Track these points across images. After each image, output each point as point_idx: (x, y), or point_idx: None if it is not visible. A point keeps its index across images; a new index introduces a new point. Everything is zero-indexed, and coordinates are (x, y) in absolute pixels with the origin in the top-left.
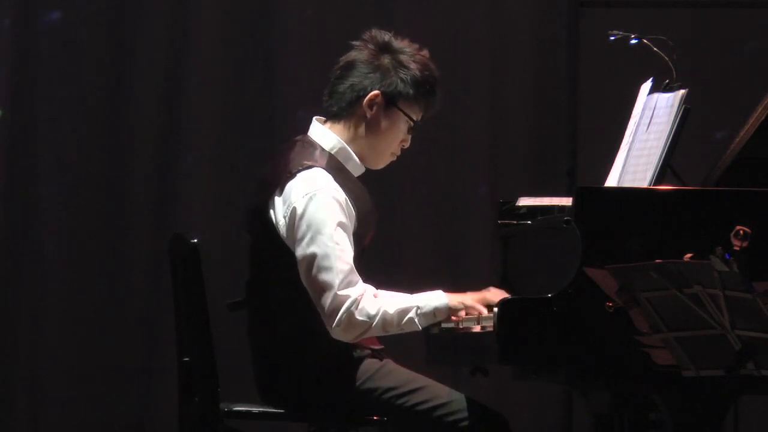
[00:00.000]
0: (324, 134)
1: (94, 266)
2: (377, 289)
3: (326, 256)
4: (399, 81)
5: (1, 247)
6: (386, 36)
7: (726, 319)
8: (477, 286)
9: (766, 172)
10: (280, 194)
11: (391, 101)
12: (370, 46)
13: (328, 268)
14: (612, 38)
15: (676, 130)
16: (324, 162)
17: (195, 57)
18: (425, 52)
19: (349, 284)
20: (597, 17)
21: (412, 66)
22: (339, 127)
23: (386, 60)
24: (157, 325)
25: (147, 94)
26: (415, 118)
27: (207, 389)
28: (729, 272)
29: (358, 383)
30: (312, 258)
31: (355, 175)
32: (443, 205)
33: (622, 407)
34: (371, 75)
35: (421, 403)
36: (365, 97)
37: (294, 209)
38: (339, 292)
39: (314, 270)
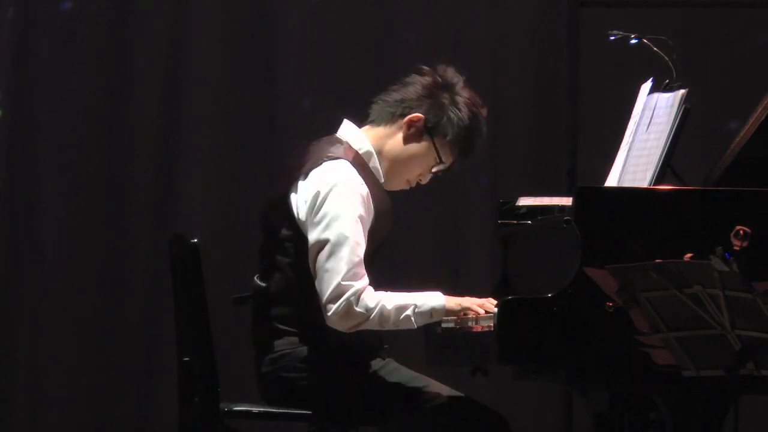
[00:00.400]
0: (356, 134)
1: (94, 266)
2: (377, 289)
3: (339, 243)
4: (446, 118)
5: (1, 247)
6: (456, 78)
7: (726, 319)
8: (477, 286)
9: (766, 172)
10: (304, 179)
11: (429, 131)
12: (437, 77)
13: (337, 256)
14: (612, 38)
15: (676, 130)
16: (351, 156)
17: (195, 57)
18: (484, 110)
19: (354, 276)
20: (597, 17)
21: (465, 112)
22: (372, 133)
23: (445, 96)
24: (157, 325)
25: (147, 94)
26: (443, 158)
27: (207, 389)
28: (729, 272)
29: (360, 381)
30: (324, 243)
31: None
32: (443, 205)
33: (622, 407)
34: (424, 100)
35: (422, 402)
36: (408, 115)
37: (317, 193)
38: (343, 282)
39: (324, 254)
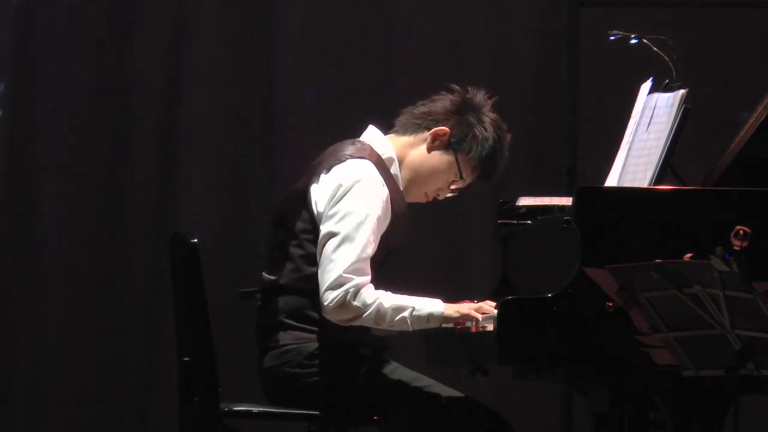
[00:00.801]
0: (380, 139)
1: (94, 266)
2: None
3: (349, 237)
4: (472, 135)
5: (1, 247)
6: (484, 100)
7: (726, 319)
8: (477, 286)
9: (766, 172)
10: (326, 173)
11: (453, 146)
12: (468, 97)
13: (345, 249)
14: (612, 38)
15: (676, 130)
16: (374, 159)
17: (195, 57)
18: (509, 135)
19: (357, 270)
20: (597, 17)
21: (491, 132)
22: (396, 141)
23: (472, 114)
24: (157, 325)
25: (147, 94)
26: (464, 175)
27: (207, 389)
28: (729, 272)
29: (361, 380)
30: (334, 234)
31: None
32: (443, 205)
33: (622, 407)
34: (452, 115)
35: (423, 402)
36: (435, 128)
37: (338, 186)
38: (345, 273)
39: (331, 245)
